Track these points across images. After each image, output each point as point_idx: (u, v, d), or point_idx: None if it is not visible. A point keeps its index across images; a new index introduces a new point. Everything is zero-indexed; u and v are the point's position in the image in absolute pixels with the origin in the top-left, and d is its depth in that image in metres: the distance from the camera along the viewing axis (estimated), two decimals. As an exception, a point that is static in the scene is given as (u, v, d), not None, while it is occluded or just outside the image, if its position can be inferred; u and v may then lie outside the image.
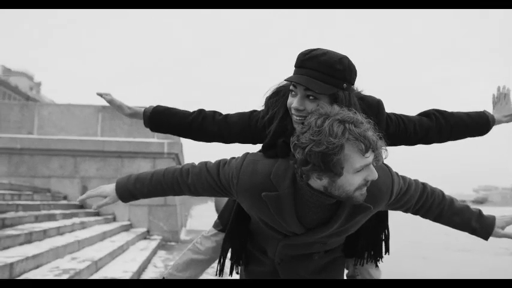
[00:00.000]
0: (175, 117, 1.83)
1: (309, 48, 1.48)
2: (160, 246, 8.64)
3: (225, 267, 2.03)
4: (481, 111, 1.89)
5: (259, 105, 1.70)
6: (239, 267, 1.95)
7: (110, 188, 1.70)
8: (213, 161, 1.65)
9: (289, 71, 1.53)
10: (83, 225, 7.03)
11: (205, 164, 1.63)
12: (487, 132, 1.88)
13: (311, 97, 1.45)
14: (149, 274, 5.66)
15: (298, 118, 1.46)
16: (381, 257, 1.95)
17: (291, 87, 1.49)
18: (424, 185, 1.65)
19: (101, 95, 1.91)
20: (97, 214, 9.05)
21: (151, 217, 9.43)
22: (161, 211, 9.48)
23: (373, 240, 1.91)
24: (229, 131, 1.76)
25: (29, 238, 4.79)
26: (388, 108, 1.73)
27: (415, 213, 1.68)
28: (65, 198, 9.10)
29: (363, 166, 1.30)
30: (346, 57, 1.48)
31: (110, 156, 9.52)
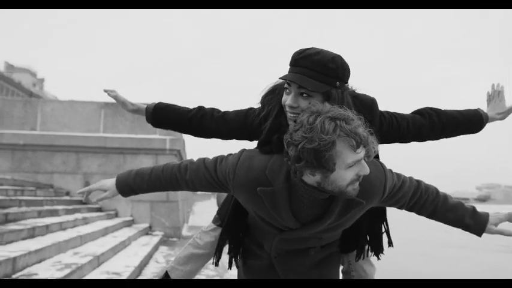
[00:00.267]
0: (176, 114, 1.88)
1: (303, 48, 1.52)
2: (162, 242, 8.70)
3: (224, 263, 2.07)
4: (474, 109, 1.91)
5: (256, 103, 1.75)
6: (237, 261, 1.99)
7: (111, 182, 1.74)
8: (211, 157, 1.69)
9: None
10: (85, 221, 7.09)
11: (203, 160, 1.67)
12: (480, 130, 1.91)
13: (304, 95, 1.48)
14: (151, 269, 5.71)
15: (292, 115, 1.50)
16: (382, 250, 1.97)
17: (286, 86, 1.53)
18: (418, 182, 1.68)
19: (106, 91, 1.98)
20: (99, 210, 9.12)
21: (154, 213, 9.48)
22: (163, 207, 9.53)
23: (373, 233, 1.94)
24: (227, 128, 1.81)
25: (32, 233, 4.85)
26: (392, 108, 1.77)
27: (409, 209, 1.71)
28: (67, 194, 9.17)
29: (355, 161, 1.33)
30: (339, 56, 1.51)
31: (112, 153, 9.57)
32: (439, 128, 1.83)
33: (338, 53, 1.52)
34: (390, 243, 1.99)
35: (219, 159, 1.64)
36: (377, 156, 1.78)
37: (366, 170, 1.37)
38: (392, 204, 1.68)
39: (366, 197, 1.51)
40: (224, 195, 2.25)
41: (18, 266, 3.64)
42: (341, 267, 2.15)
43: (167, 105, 1.91)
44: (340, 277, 2.12)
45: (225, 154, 1.66)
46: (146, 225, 9.21)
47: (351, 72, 1.55)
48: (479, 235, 1.70)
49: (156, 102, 1.93)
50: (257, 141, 1.66)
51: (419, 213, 1.72)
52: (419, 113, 1.84)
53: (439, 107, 1.86)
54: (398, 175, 1.64)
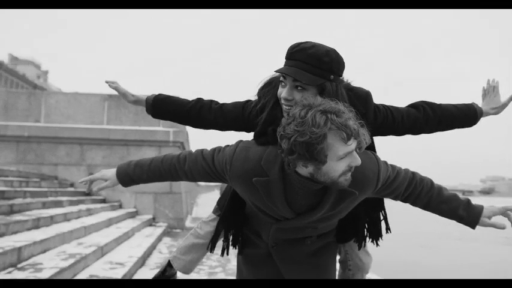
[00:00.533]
0: (175, 105, 1.92)
1: (298, 41, 1.56)
2: (166, 233, 8.78)
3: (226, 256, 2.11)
4: (469, 103, 1.94)
5: (253, 95, 1.78)
6: (230, 250, 2.03)
7: (111, 172, 1.79)
8: (209, 148, 1.73)
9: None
10: (89, 212, 7.17)
11: (201, 152, 1.71)
12: (474, 124, 1.94)
13: (299, 88, 1.52)
14: (154, 260, 5.78)
15: (287, 107, 1.53)
16: (381, 235, 2.01)
17: (281, 79, 1.57)
18: (413, 173, 1.72)
19: (107, 82, 2.02)
20: (103, 201, 9.20)
21: (157, 204, 9.56)
22: (167, 198, 9.60)
23: (371, 222, 1.98)
24: (224, 119, 1.84)
25: (37, 224, 4.92)
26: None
27: (404, 200, 1.74)
28: (71, 185, 9.25)
29: (346, 153, 1.37)
30: (333, 50, 1.54)
31: (116, 145, 9.64)
32: (434, 122, 1.86)
33: (332, 47, 1.55)
34: (388, 229, 2.03)
35: (217, 150, 1.68)
36: (373, 149, 1.81)
37: (358, 161, 1.40)
38: (387, 195, 1.71)
39: (359, 187, 1.54)
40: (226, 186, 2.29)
41: (24, 256, 3.71)
42: (338, 257, 2.19)
43: (167, 97, 1.94)
44: (337, 266, 2.16)
45: (223, 145, 1.70)
46: (150, 216, 9.29)
47: (345, 66, 1.58)
48: (473, 227, 1.72)
49: (156, 93, 1.97)
50: (253, 133, 1.70)
51: (414, 204, 1.75)
52: (414, 106, 1.87)
53: (433, 101, 1.89)
54: (393, 166, 1.68)
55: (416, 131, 1.87)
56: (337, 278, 2.20)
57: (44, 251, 4.17)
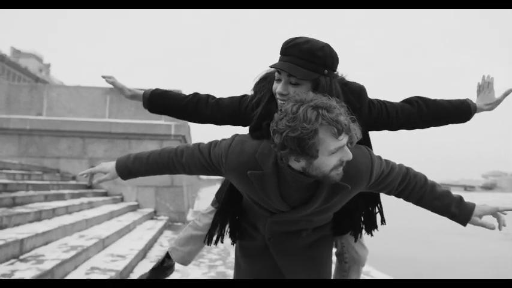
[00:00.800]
0: (172, 100, 1.94)
1: (292, 37, 1.58)
2: (167, 226, 8.83)
3: (228, 247, 2.15)
4: (463, 99, 1.96)
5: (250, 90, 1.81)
6: (223, 238, 2.06)
7: (111, 165, 1.82)
8: (206, 142, 1.76)
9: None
10: (91, 205, 7.22)
11: (198, 145, 1.74)
12: (468, 120, 1.96)
13: (294, 82, 1.55)
14: (155, 253, 5.83)
15: (282, 102, 1.56)
16: (376, 227, 2.04)
17: (276, 74, 1.59)
18: (407, 169, 1.74)
19: (104, 77, 2.04)
20: (105, 194, 9.26)
21: (159, 198, 9.60)
22: (168, 192, 9.64)
23: (367, 214, 2.01)
24: (221, 114, 1.87)
25: (39, 216, 4.97)
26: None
27: (397, 195, 1.77)
28: (73, 178, 9.30)
29: (337, 148, 1.39)
30: (327, 45, 1.56)
31: (117, 138, 9.68)
32: (428, 117, 1.88)
33: (327, 42, 1.57)
34: (383, 221, 2.06)
35: (213, 144, 1.71)
36: (369, 144, 1.84)
37: (349, 156, 1.43)
38: (380, 190, 1.74)
39: (352, 181, 1.57)
40: None
41: (26, 248, 3.76)
42: (334, 250, 2.23)
43: (164, 92, 1.96)
44: (334, 259, 2.19)
45: (219, 139, 1.73)
46: (151, 209, 9.34)
47: (339, 61, 1.61)
48: (464, 224, 1.74)
49: (153, 88, 1.99)
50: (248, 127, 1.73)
51: (407, 199, 1.77)
52: (409, 101, 1.89)
53: (428, 97, 1.91)
54: (387, 161, 1.70)
55: (410, 126, 1.90)
56: (333, 270, 2.23)
57: (46, 243, 4.22)
